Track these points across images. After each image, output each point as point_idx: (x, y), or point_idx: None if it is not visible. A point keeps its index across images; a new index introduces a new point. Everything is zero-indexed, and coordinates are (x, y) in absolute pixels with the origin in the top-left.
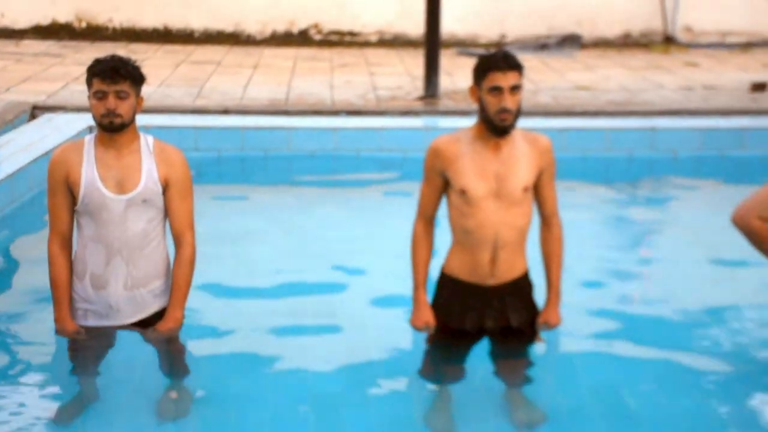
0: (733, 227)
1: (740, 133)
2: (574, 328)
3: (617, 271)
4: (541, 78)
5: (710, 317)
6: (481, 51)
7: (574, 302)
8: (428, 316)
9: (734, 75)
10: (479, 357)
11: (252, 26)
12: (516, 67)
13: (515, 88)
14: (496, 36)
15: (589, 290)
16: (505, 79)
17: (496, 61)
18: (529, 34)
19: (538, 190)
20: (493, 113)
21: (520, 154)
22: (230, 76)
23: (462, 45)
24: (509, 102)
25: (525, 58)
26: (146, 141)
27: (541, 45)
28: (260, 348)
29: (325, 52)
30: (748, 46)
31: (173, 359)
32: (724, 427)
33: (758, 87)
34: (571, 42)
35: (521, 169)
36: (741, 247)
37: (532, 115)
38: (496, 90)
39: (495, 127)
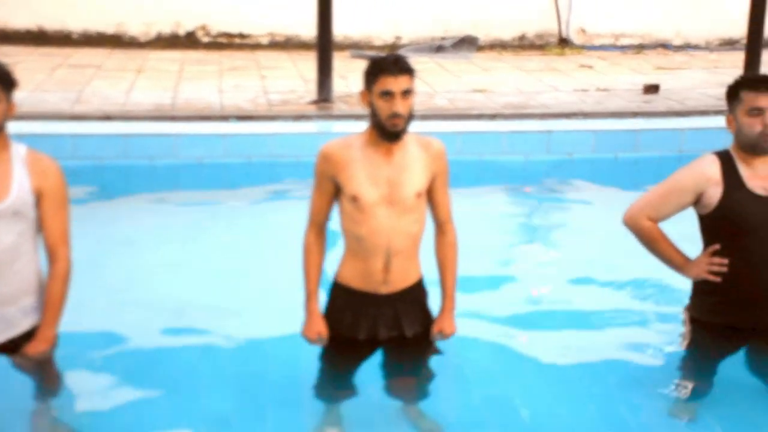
0: (625, 228)
1: (634, 135)
2: (470, 336)
3: (515, 276)
4: (438, 80)
5: (606, 321)
6: (376, 53)
7: (470, 309)
8: (321, 327)
9: (627, 77)
10: (373, 367)
11: (135, 27)
12: (407, 71)
13: (407, 93)
14: (391, 38)
15: (486, 297)
16: (396, 84)
17: (386, 65)
18: (425, 36)
19: (431, 196)
20: (384, 118)
21: (413, 159)
22: (112, 81)
23: (356, 47)
24: (400, 107)
25: (421, 61)
26: (18, 150)
27: (437, 47)
28: (146, 369)
29: (214, 55)
30: (640, 47)
31: (46, 386)
32: None
33: (651, 89)
34: (467, 44)
35: (414, 175)
36: (635, 248)
37: (428, 118)
38: (387, 94)
39: (386, 132)
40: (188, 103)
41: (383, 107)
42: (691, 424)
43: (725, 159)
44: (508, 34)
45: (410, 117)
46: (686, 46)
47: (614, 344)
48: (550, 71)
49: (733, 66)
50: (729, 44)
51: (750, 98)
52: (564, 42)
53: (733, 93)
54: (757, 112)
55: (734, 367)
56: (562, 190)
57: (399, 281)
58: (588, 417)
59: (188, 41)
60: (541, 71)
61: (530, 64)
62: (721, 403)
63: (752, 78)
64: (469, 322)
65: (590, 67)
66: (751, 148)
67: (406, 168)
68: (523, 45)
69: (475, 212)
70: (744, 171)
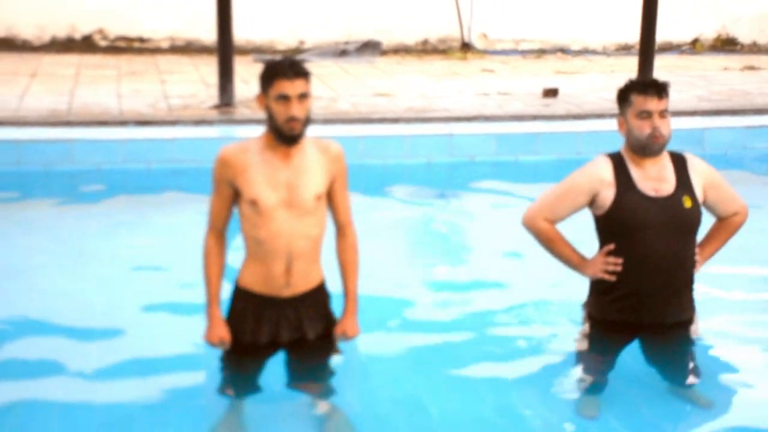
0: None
1: (534, 137)
2: (374, 337)
3: (417, 278)
4: (341, 85)
5: (507, 320)
6: (280, 58)
7: (373, 311)
8: (222, 332)
9: (528, 81)
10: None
11: (28, 30)
12: (303, 74)
13: (303, 96)
14: (294, 42)
15: (389, 298)
16: (293, 87)
17: (282, 69)
18: (329, 40)
19: (331, 198)
20: (281, 122)
21: (311, 162)
22: (3, 86)
23: (259, 51)
24: (297, 110)
25: (324, 65)
26: None
27: (341, 51)
28: (40, 377)
29: (112, 60)
30: (541, 52)
31: None
32: None
33: (550, 92)
34: (370, 48)
35: (313, 178)
36: (536, 248)
37: (331, 122)
38: (284, 98)
39: (283, 136)
40: (85, 108)
41: (280, 111)
42: (593, 418)
43: (617, 161)
44: (411, 38)
45: (307, 120)
46: (584, 51)
47: (515, 342)
48: (453, 75)
49: (629, 70)
50: (625, 49)
51: (639, 101)
52: (466, 47)
53: (624, 96)
54: (646, 114)
55: (632, 359)
56: (464, 193)
57: (301, 284)
58: (489, 414)
59: (85, 45)
60: (444, 75)
61: (433, 69)
62: (621, 394)
63: (641, 82)
64: (374, 323)
65: (492, 71)
66: (641, 149)
67: (305, 171)
68: (426, 50)
69: (378, 215)
70: (635, 172)
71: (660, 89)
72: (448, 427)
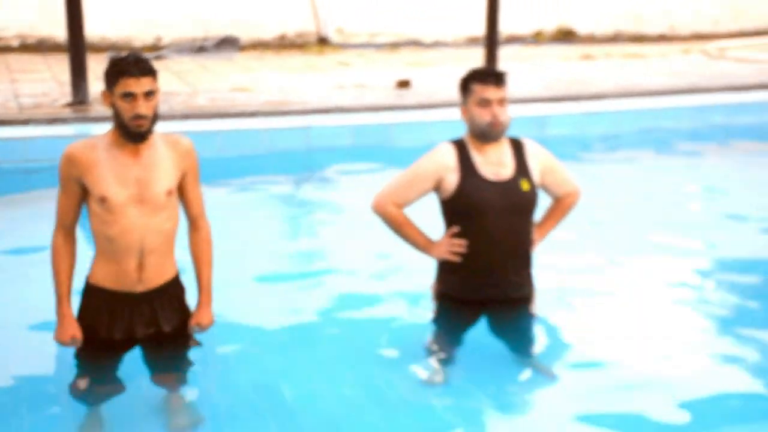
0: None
1: (388, 128)
2: (232, 325)
3: (276, 266)
4: (199, 80)
5: (364, 301)
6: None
7: (230, 299)
8: (74, 330)
9: (382, 73)
10: (134, 364)
11: None
12: (149, 72)
13: (149, 94)
14: (151, 39)
15: (247, 287)
16: (139, 85)
17: (127, 67)
18: (186, 36)
19: (183, 193)
20: (127, 119)
21: (161, 158)
22: None
23: (115, 49)
24: (144, 108)
25: (182, 61)
26: None
27: (199, 47)
28: None
29: None
30: (395, 45)
31: None
32: (388, 413)
33: (403, 84)
34: (228, 44)
35: (163, 173)
36: (388, 233)
37: (189, 117)
38: (129, 96)
39: (130, 133)
40: None
41: (126, 108)
42: (444, 386)
43: (460, 147)
44: (268, 34)
45: (155, 117)
46: (436, 44)
47: (372, 322)
48: (310, 69)
49: (477, 61)
50: (474, 41)
51: (479, 90)
52: (323, 41)
53: (465, 86)
54: (485, 103)
55: (479, 333)
56: (322, 183)
57: (154, 279)
58: (348, 392)
59: None
60: (301, 69)
61: (291, 63)
62: (468, 365)
63: (481, 71)
64: (232, 312)
65: (348, 64)
66: (483, 136)
67: (155, 167)
68: (284, 44)
69: (237, 208)
70: (477, 158)
71: (498, 78)
72: (308, 408)
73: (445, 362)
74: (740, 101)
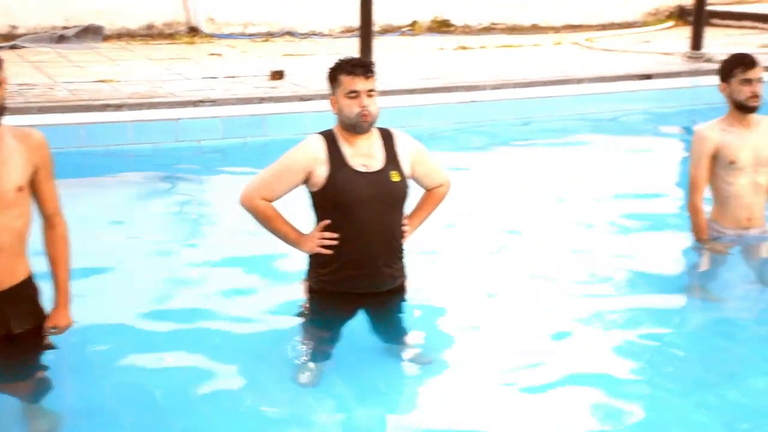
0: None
1: (261, 119)
2: (93, 327)
3: (145, 263)
4: (59, 72)
5: (237, 296)
6: None
7: (93, 299)
8: None
9: (256, 64)
10: None
11: None
12: None
13: None
14: (5, 28)
15: (110, 286)
16: None
17: None
18: (44, 25)
19: (36, 189)
20: None
21: (10, 153)
22: None
23: None
24: None
25: (41, 51)
26: None
27: (59, 37)
28: None
29: None
30: (269, 35)
31: None
32: (258, 414)
33: (276, 75)
34: (92, 34)
35: (12, 169)
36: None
37: (48, 111)
38: None
39: None
40: None
41: None
42: (314, 386)
43: (329, 139)
44: (135, 23)
45: (2, 109)
46: (311, 34)
47: (242, 320)
48: (180, 60)
49: (353, 52)
50: (350, 31)
51: (347, 82)
52: (194, 31)
53: (333, 77)
54: (354, 94)
55: (354, 327)
56: (192, 176)
57: (5, 280)
58: (217, 395)
59: None
60: (171, 60)
61: (159, 54)
62: (345, 360)
63: (348, 62)
64: (92, 313)
65: (220, 55)
66: (352, 127)
67: (4, 162)
68: (152, 34)
69: (102, 204)
70: (346, 149)
71: (366, 69)
72: (173, 410)
73: (320, 359)
74: (609, 90)
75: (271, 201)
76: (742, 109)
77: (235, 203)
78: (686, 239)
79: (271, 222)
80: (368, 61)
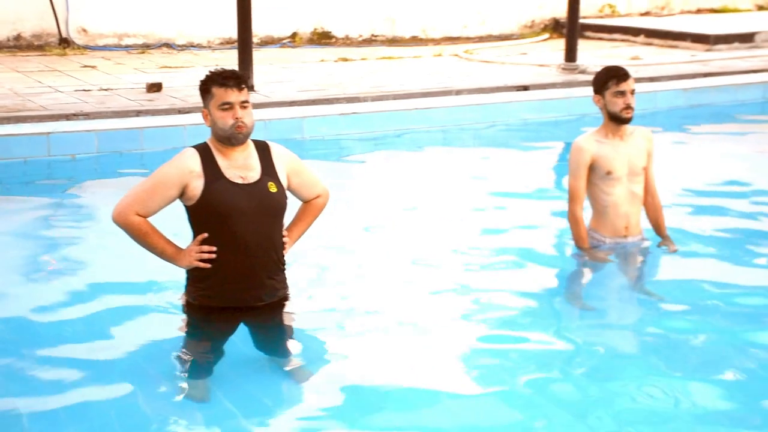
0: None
1: (137, 133)
2: None
3: (17, 285)
4: None
5: (119, 319)
6: None
7: None
8: None
9: (131, 76)
10: None
11: None
12: None
13: None
14: None
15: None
16: None
17: None
18: None
19: None
20: None
21: None
22: None
23: None
24: None
25: None
26: None
27: None
28: None
29: None
30: (145, 47)
31: None
32: None
33: (154, 87)
34: None
35: None
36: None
37: None
38: None
39: None
40: None
41: None
42: (202, 403)
43: (204, 152)
44: (2, 34)
45: None
46: (190, 46)
47: (120, 338)
48: (50, 72)
49: (233, 64)
50: (229, 43)
51: (220, 93)
52: (65, 42)
53: (205, 89)
54: (227, 106)
55: (237, 341)
56: (65, 191)
57: None
58: (98, 417)
59: None
60: (41, 72)
61: (28, 66)
62: (227, 375)
63: (221, 74)
64: None
65: (93, 67)
66: (227, 139)
67: None
68: (19, 46)
69: None
70: (222, 162)
71: (239, 81)
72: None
73: (200, 374)
74: (488, 102)
75: (146, 216)
76: (617, 120)
77: (108, 219)
78: (567, 247)
79: (146, 238)
80: (240, 72)
